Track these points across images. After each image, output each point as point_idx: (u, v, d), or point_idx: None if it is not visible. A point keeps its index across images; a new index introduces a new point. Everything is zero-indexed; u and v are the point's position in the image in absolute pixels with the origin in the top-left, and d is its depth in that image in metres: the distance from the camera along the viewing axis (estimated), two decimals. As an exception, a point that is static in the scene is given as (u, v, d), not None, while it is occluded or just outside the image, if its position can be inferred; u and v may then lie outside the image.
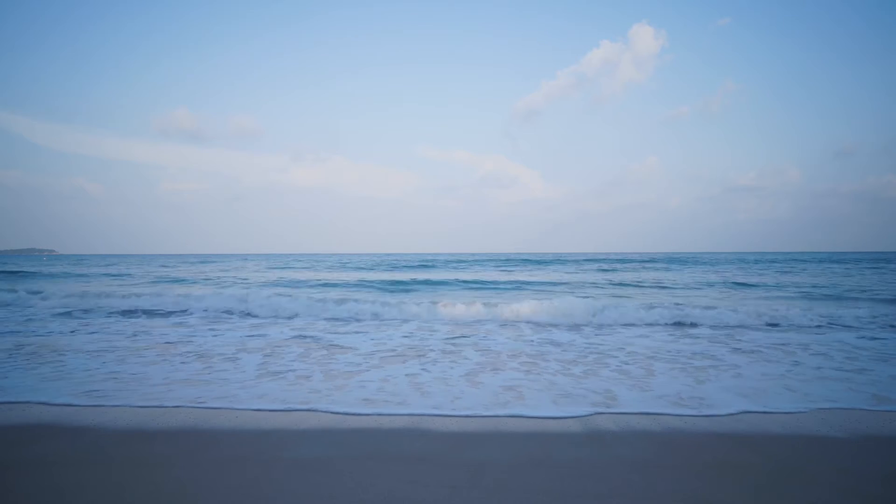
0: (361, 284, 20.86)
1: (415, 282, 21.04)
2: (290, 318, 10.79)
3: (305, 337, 8.31)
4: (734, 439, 3.65)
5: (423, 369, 5.92)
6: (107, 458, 3.25)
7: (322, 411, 4.31)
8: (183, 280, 23.62)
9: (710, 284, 20.27)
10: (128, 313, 11.38)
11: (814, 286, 18.78)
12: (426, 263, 38.26)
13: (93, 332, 8.66)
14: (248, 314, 11.17)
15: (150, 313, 11.37)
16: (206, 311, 11.52)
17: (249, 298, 11.99)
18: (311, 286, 20.18)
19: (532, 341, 7.92)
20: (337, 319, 10.62)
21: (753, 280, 22.09)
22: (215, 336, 8.39)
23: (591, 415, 4.22)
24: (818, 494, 2.74)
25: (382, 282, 21.23)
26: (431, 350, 7.16)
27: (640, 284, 20.48)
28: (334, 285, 20.72)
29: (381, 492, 2.76)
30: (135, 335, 8.41)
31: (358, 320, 10.54)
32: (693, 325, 9.75)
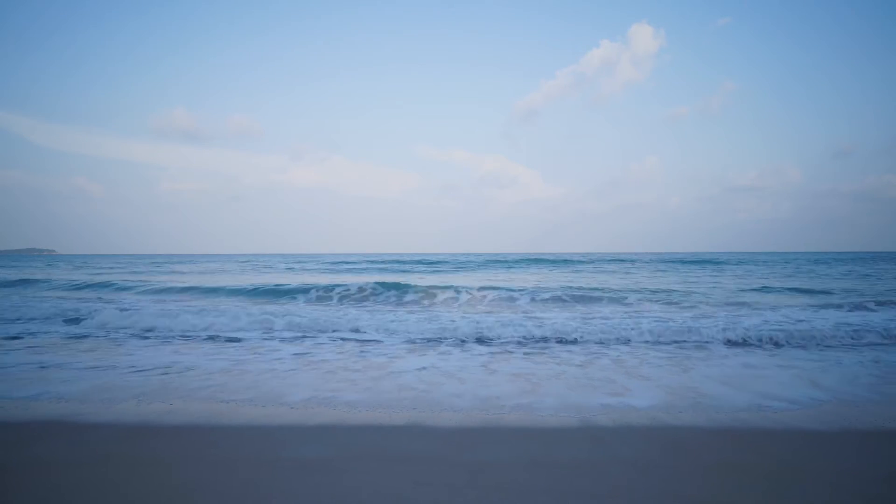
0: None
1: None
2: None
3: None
4: (734, 439, 3.65)
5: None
6: (107, 458, 3.25)
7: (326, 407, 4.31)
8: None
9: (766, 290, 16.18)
10: None
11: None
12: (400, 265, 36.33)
13: None
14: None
15: None
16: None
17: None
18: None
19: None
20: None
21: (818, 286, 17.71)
22: None
23: (591, 415, 4.22)
24: (818, 494, 2.74)
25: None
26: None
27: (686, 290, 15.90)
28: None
29: (382, 491, 2.76)
30: None
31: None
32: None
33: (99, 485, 2.85)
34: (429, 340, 7.92)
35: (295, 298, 14.73)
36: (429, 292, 14.95)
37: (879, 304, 12.45)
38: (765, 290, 16.55)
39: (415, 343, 7.74)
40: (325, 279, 21.34)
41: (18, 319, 10.30)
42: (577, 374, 5.62)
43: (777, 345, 7.44)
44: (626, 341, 7.67)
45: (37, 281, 21.74)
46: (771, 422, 4.06)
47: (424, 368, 5.94)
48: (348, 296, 14.78)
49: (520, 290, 15.03)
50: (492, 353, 6.98)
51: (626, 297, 13.99)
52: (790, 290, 16.62)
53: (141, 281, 20.96)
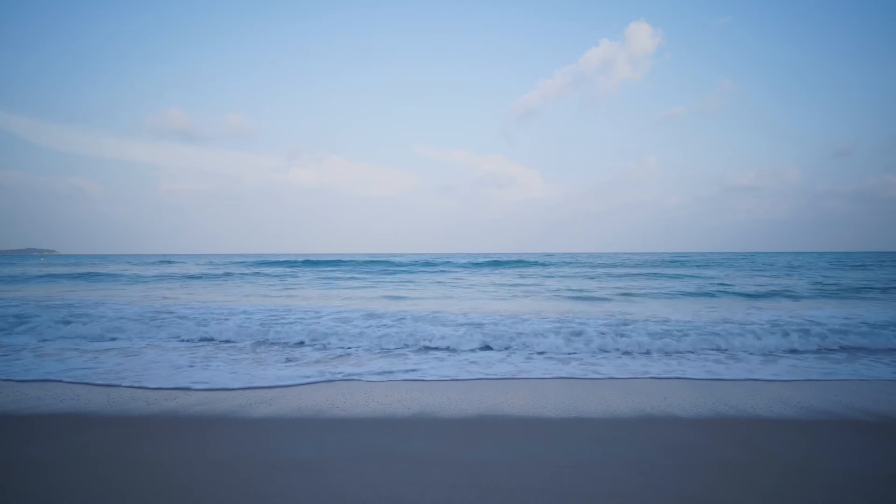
0: None
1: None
2: None
3: None
4: (734, 439, 3.65)
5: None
6: (107, 458, 3.25)
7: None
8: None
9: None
10: None
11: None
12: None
13: None
14: None
15: None
16: None
17: None
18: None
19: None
20: None
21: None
22: None
23: (591, 416, 4.22)
24: (818, 494, 2.74)
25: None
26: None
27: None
28: None
29: (381, 492, 2.75)
30: None
31: None
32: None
33: (98, 485, 2.85)
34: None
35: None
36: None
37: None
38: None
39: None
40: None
41: None
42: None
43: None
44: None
45: None
46: (771, 423, 4.06)
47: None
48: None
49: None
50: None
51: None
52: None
53: None
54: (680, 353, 6.92)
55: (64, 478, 2.93)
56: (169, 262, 47.43)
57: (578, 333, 7.76)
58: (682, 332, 7.80)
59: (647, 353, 6.95)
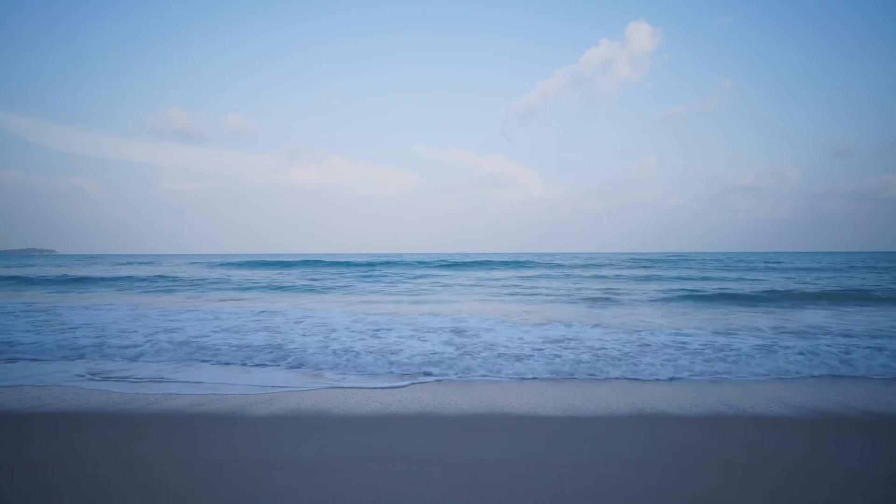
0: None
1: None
2: None
3: None
4: (734, 439, 3.65)
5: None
6: (106, 458, 3.25)
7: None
8: None
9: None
10: None
11: None
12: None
13: None
14: None
15: None
16: None
17: None
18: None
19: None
20: None
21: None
22: None
23: (591, 416, 4.22)
24: (818, 494, 2.74)
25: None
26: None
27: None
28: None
29: (381, 492, 2.75)
30: None
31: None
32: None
33: (98, 485, 2.85)
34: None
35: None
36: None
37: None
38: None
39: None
40: None
41: None
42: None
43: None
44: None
45: None
46: (771, 421, 4.06)
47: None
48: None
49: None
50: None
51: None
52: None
53: None
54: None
55: (64, 478, 2.93)
56: (158, 264, 47.64)
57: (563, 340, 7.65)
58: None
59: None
